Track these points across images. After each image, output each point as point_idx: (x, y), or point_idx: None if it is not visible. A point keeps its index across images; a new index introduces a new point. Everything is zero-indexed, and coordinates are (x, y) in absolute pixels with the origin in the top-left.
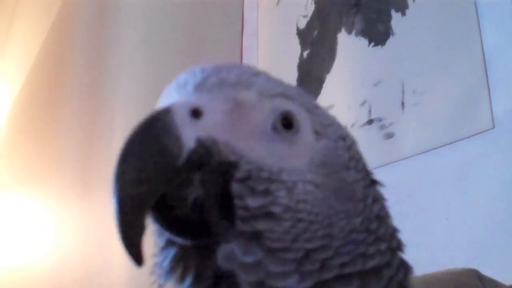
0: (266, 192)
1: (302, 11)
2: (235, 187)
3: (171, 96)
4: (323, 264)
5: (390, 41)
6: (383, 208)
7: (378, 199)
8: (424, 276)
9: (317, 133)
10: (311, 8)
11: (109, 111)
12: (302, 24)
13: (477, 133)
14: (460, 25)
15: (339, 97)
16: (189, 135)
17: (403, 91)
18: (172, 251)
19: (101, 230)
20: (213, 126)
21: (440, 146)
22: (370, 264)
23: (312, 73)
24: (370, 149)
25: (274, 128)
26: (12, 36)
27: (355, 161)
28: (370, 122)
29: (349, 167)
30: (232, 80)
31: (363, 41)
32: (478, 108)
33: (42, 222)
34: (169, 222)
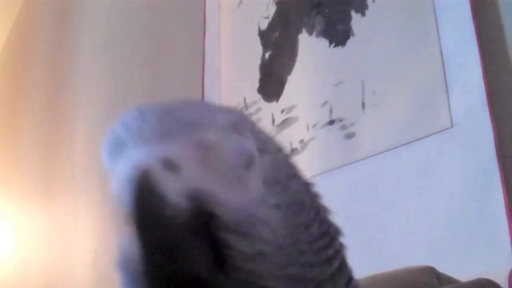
0: (249, 233)
1: (264, 12)
2: (224, 236)
3: (126, 147)
4: (304, 283)
5: (351, 41)
6: (324, 208)
7: (318, 200)
8: (381, 275)
9: (260, 151)
10: (272, 9)
11: (71, 115)
12: (264, 25)
13: (436, 132)
14: (419, 25)
15: (300, 97)
16: (175, 194)
17: (363, 91)
18: None
19: (63, 235)
20: (190, 177)
21: (400, 146)
22: (335, 265)
23: (274, 74)
24: (332, 150)
25: (238, 162)
26: None
27: (294, 169)
28: (331, 122)
29: (292, 176)
30: (192, 121)
31: (324, 42)
32: (436, 108)
33: (2, 227)
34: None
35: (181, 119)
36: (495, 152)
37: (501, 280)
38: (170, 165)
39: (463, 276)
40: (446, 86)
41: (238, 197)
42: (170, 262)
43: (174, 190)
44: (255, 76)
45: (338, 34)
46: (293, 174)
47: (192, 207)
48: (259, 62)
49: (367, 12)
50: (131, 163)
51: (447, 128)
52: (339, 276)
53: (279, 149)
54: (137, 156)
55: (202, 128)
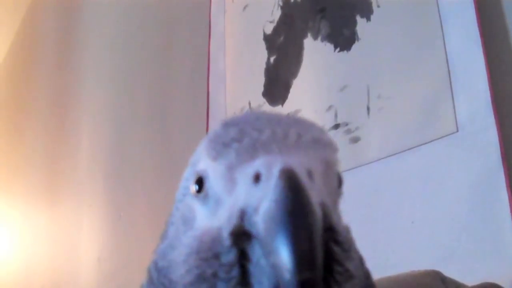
0: (350, 253)
1: (269, 16)
2: (338, 251)
3: (268, 151)
4: None
5: (356, 46)
6: None
7: None
8: (387, 278)
9: None
10: (277, 13)
11: (75, 117)
12: (269, 29)
13: (441, 137)
14: (424, 30)
15: (305, 102)
16: (315, 201)
17: (368, 95)
18: None
19: (68, 238)
20: (319, 189)
21: (405, 150)
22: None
23: (279, 78)
24: None
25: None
26: None
27: None
28: (336, 126)
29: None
30: (320, 139)
31: (329, 47)
32: (442, 112)
33: (8, 230)
34: None
35: (315, 136)
36: (500, 157)
37: (507, 284)
38: (310, 175)
39: (469, 280)
40: (451, 90)
41: (338, 215)
42: (310, 264)
43: (314, 197)
44: (260, 80)
45: (343, 39)
46: None
47: (323, 216)
48: (264, 66)
49: (372, 17)
50: (282, 165)
51: (452, 133)
52: None
53: None
54: (287, 160)
55: (327, 147)
